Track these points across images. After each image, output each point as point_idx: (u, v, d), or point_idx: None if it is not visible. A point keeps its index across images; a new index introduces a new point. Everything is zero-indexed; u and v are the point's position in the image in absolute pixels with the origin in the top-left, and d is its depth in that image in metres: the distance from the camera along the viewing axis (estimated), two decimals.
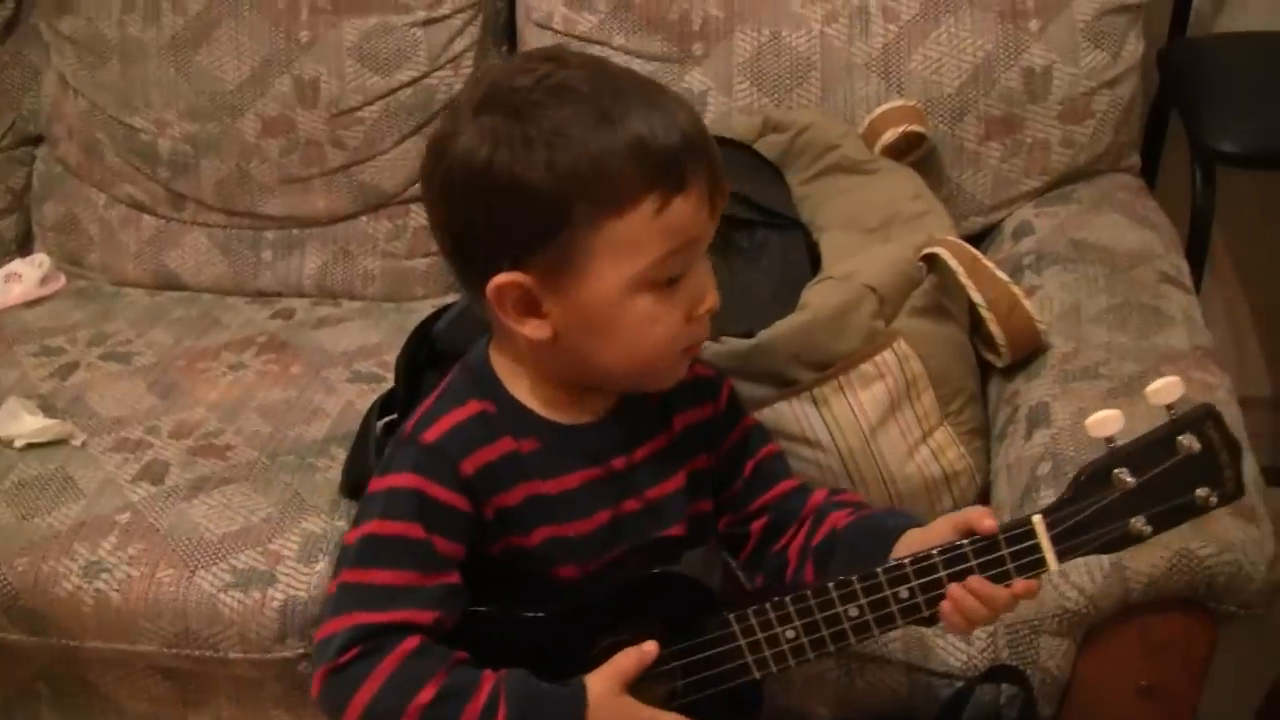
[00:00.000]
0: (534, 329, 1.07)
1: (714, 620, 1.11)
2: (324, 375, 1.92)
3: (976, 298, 1.53)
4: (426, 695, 1.04)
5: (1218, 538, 1.26)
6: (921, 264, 1.55)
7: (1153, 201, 1.88)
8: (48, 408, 1.87)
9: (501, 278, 1.05)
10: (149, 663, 1.63)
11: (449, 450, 1.10)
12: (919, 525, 1.15)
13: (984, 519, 1.07)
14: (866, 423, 1.48)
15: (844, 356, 1.47)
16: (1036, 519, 1.06)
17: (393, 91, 2.06)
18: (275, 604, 1.54)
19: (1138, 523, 1.06)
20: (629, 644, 1.10)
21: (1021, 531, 1.06)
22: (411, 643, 1.05)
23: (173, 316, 2.14)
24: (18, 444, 1.78)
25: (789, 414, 1.48)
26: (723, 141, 1.77)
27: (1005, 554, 1.06)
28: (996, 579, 1.07)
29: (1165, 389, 1.02)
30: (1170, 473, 1.04)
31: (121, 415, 1.85)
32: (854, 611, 1.08)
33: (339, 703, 1.05)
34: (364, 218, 2.13)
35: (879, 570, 1.07)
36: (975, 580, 1.06)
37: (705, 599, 1.12)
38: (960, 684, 1.39)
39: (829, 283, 1.52)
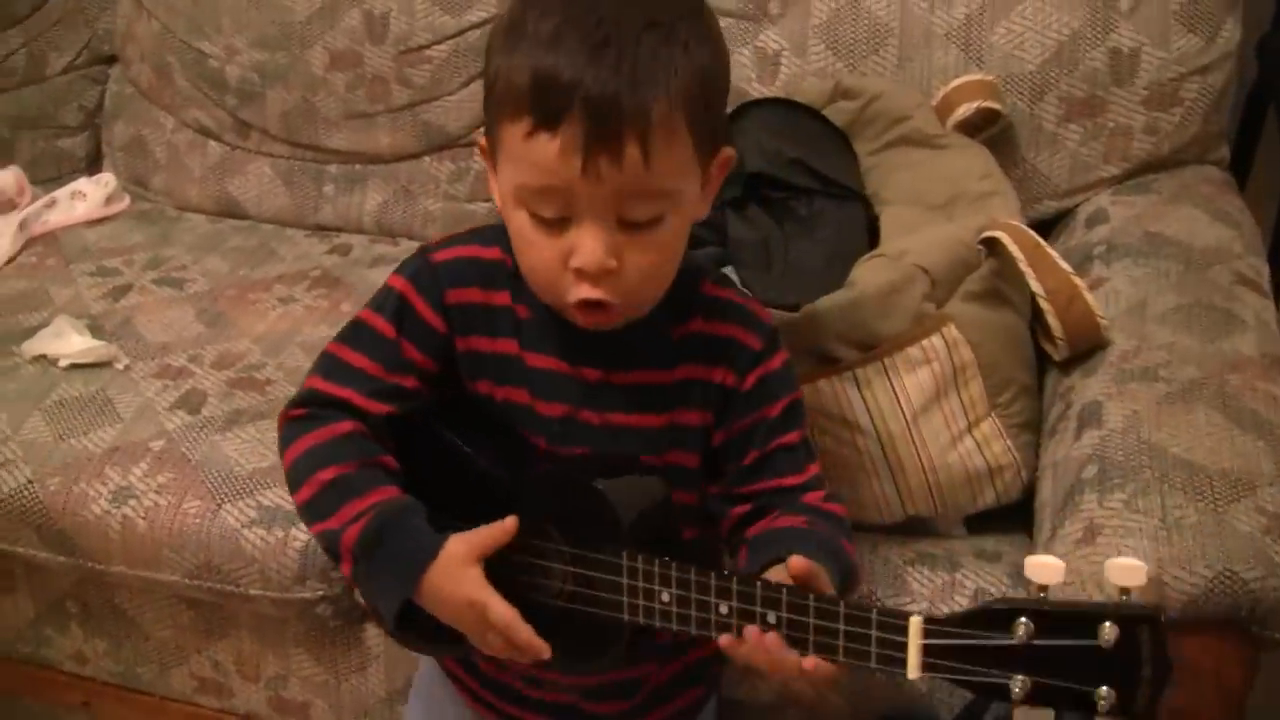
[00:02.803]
0: (494, 190, 1.13)
1: (615, 548, 1.08)
2: None
3: (1035, 286, 1.46)
4: (328, 474, 1.11)
5: (1265, 560, 1.20)
6: (980, 247, 1.50)
7: (1238, 198, 1.78)
8: (96, 329, 1.88)
9: (480, 135, 1.14)
10: (172, 591, 1.64)
11: (442, 275, 1.16)
12: (818, 562, 1.07)
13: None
14: (909, 408, 1.43)
15: (890, 338, 1.42)
16: (915, 620, 0.97)
17: (462, 32, 2.04)
18: (297, 545, 1.54)
19: (1017, 683, 0.94)
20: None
21: (896, 623, 0.98)
22: (346, 426, 1.14)
23: (230, 245, 2.14)
24: (62, 363, 1.80)
25: (829, 393, 1.44)
26: (791, 105, 1.75)
27: (873, 635, 0.99)
28: (857, 653, 1.00)
29: (1127, 571, 0.92)
30: (1075, 653, 0.92)
31: (167, 341, 1.86)
32: (724, 610, 1.04)
33: (281, 449, 1.17)
34: (427, 158, 2.12)
35: (758, 582, 1.03)
36: (773, 638, 1.01)
37: (614, 529, 1.08)
38: None
39: (880, 260, 1.47)
